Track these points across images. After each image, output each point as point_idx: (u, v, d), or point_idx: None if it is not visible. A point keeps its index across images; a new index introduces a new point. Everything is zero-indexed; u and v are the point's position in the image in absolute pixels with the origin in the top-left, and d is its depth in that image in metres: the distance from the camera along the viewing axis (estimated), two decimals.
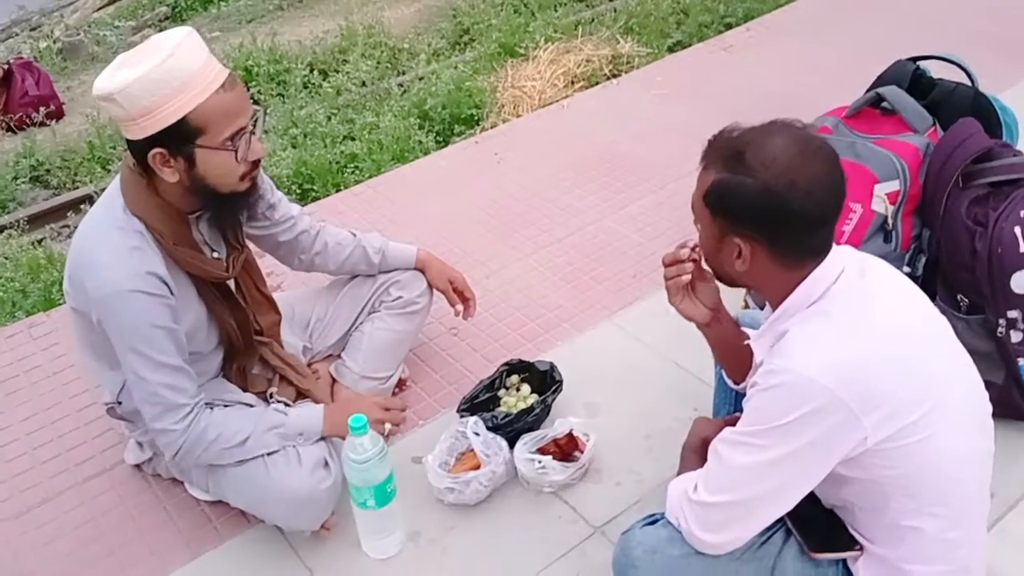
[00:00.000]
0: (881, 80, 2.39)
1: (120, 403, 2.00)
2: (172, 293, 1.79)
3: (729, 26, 5.03)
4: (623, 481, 2.10)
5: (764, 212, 1.40)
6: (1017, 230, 2.00)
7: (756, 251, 1.44)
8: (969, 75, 2.34)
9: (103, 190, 1.86)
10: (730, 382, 1.85)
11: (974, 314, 2.09)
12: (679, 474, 1.67)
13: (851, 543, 1.56)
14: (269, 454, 1.90)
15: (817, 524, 1.58)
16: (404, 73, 5.35)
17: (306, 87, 5.19)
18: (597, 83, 4.47)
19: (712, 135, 1.47)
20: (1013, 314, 2.03)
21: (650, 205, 3.10)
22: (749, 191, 1.39)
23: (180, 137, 1.66)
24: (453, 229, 3.07)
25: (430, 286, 2.36)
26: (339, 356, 2.32)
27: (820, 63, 4.01)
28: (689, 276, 1.63)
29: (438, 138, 4.41)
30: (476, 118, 4.53)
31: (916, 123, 2.25)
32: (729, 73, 4.04)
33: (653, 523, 1.60)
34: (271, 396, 2.08)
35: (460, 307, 2.40)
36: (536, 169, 3.40)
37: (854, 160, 2.20)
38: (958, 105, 2.28)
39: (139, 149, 1.71)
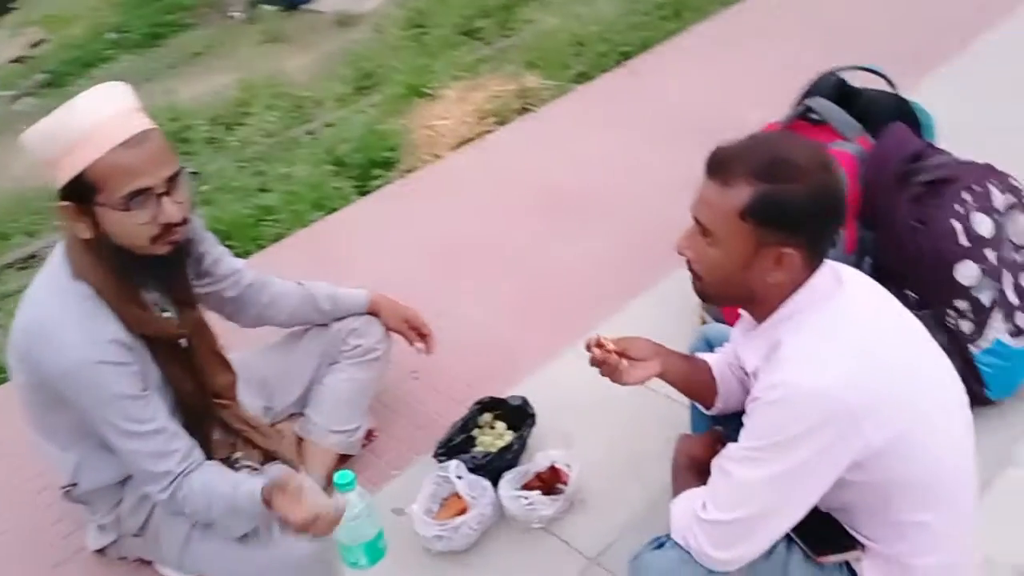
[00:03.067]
0: (807, 93, 2.48)
1: (76, 485, 1.87)
2: (135, 359, 1.72)
3: (627, 55, 5.13)
4: (611, 508, 2.09)
5: (815, 214, 1.43)
6: (955, 223, 2.10)
7: (796, 257, 1.44)
8: (890, 82, 2.45)
9: None
10: (702, 408, 1.86)
11: (923, 309, 2.17)
12: (675, 494, 1.66)
13: (852, 543, 1.59)
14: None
15: (815, 528, 1.59)
16: (311, 120, 5.28)
17: (210, 142, 5.05)
18: (508, 117, 4.50)
19: (713, 154, 1.47)
20: (961, 304, 2.12)
21: (591, 234, 3.09)
22: (800, 196, 1.40)
23: (81, 192, 1.60)
24: (393, 273, 3.01)
25: (387, 330, 2.30)
26: (302, 414, 2.24)
27: (732, 82, 4.09)
28: (623, 362, 1.68)
29: (356, 183, 4.34)
30: (392, 160, 4.49)
31: (847, 132, 2.34)
32: (642, 98, 4.11)
33: (661, 546, 1.58)
34: (237, 461, 1.98)
35: (420, 344, 2.34)
36: (469, 207, 3.39)
37: None
38: (884, 111, 2.38)
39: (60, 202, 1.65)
